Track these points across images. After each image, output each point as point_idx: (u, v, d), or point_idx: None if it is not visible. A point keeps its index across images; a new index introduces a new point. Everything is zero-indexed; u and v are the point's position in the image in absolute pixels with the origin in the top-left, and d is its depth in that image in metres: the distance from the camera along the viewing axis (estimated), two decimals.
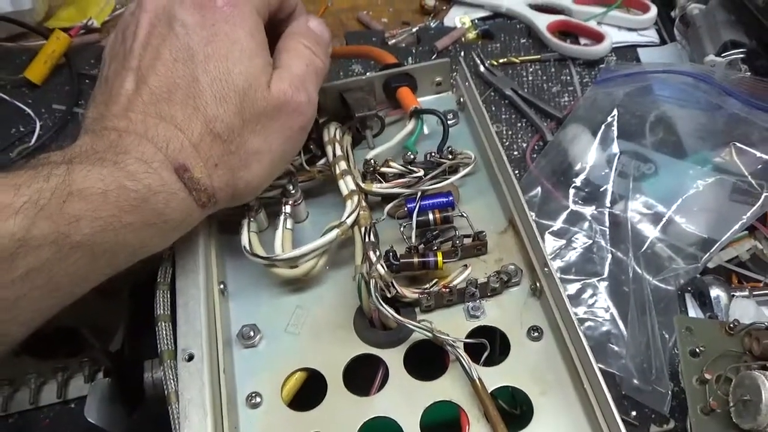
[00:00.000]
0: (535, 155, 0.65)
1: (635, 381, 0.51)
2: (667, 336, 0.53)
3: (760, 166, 0.53)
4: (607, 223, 0.58)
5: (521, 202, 0.42)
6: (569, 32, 0.76)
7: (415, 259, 0.40)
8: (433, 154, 0.46)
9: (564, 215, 0.58)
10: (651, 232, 0.58)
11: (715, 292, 0.54)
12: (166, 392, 0.37)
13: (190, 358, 0.37)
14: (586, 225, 0.58)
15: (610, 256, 0.57)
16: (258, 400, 0.39)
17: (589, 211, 0.59)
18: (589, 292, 0.55)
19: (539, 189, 0.61)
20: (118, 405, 0.46)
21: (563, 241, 0.58)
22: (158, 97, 0.38)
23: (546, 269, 0.39)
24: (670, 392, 0.50)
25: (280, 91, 0.40)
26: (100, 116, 0.38)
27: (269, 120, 0.40)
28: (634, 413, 0.52)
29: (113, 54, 0.42)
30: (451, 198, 0.43)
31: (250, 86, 0.39)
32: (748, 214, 0.52)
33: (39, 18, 0.83)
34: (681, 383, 0.49)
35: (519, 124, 0.69)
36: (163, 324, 0.39)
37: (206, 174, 0.38)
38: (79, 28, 0.79)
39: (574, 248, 0.57)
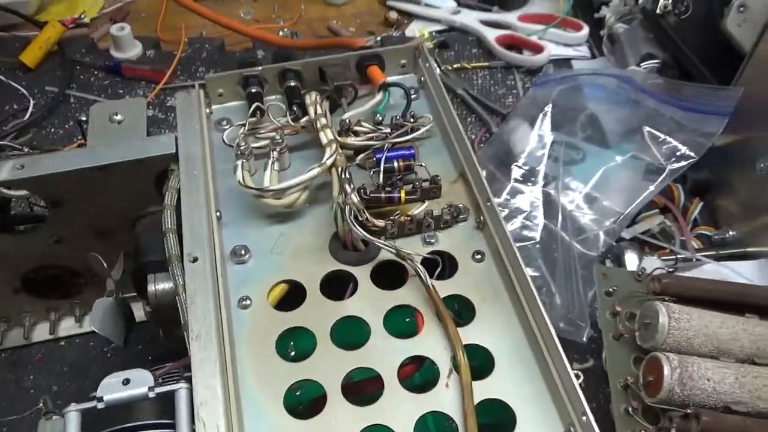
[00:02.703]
0: (482, 145, 0.75)
1: (561, 324, 0.60)
2: (588, 291, 0.62)
3: (665, 147, 0.64)
4: (541, 198, 0.68)
5: (470, 153, 0.51)
6: (514, 45, 0.87)
7: (383, 194, 0.49)
8: (398, 117, 0.54)
9: (507, 189, 0.68)
10: (577, 207, 0.67)
11: (629, 255, 0.64)
12: (173, 287, 0.44)
13: (195, 260, 0.44)
14: (524, 198, 0.67)
15: (542, 225, 0.66)
16: (248, 302, 0.46)
17: (526, 188, 0.68)
18: (524, 254, 0.65)
19: (484, 172, 0.70)
20: (118, 322, 0.52)
21: (505, 211, 0.67)
22: None
23: (489, 203, 0.48)
24: (588, 327, 0.59)
25: None
26: None
27: None
28: None
29: None
30: (413, 150, 0.52)
31: None
32: (655, 185, 0.62)
33: (32, 11, 0.90)
34: (598, 325, 0.58)
35: (469, 119, 0.79)
36: (171, 235, 0.46)
37: None
38: (72, 20, 0.86)
39: (515, 217, 0.66)
